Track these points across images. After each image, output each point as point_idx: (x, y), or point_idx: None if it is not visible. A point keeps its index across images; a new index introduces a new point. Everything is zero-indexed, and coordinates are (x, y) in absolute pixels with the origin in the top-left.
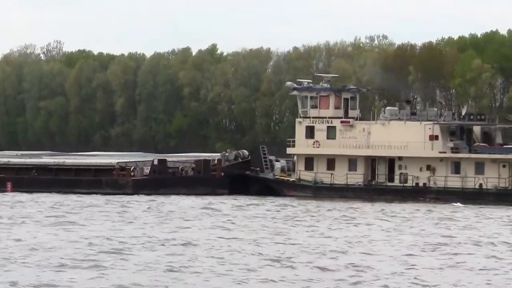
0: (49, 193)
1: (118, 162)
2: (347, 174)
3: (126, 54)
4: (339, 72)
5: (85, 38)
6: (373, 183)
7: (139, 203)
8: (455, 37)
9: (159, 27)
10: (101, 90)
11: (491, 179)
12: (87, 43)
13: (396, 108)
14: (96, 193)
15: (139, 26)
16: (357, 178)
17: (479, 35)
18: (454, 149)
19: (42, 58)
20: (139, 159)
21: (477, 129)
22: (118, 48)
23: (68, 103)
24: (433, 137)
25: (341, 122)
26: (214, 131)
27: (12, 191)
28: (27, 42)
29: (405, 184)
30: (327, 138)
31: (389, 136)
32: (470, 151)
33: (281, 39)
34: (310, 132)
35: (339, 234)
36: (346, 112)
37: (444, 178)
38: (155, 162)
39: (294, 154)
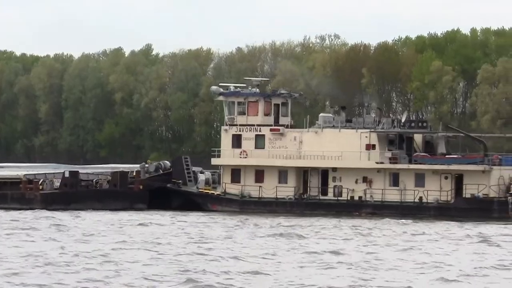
0: None
1: (25, 175)
2: (276, 187)
3: (51, 55)
4: (286, 75)
5: (7, 38)
6: (305, 196)
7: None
8: (413, 36)
9: (88, 26)
10: (23, 95)
11: (432, 192)
12: (8, 43)
13: (331, 115)
14: (1, 209)
15: (66, 25)
16: (287, 191)
17: (439, 35)
18: (393, 159)
19: None
20: (50, 171)
21: (418, 138)
22: (43, 48)
23: None
24: (370, 146)
25: (271, 130)
26: (148, 140)
27: None
28: None
29: (339, 198)
30: (256, 148)
31: (322, 145)
32: (410, 162)
33: (223, 39)
34: (236, 141)
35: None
36: (276, 119)
37: (382, 191)
38: (66, 174)
39: (219, 165)
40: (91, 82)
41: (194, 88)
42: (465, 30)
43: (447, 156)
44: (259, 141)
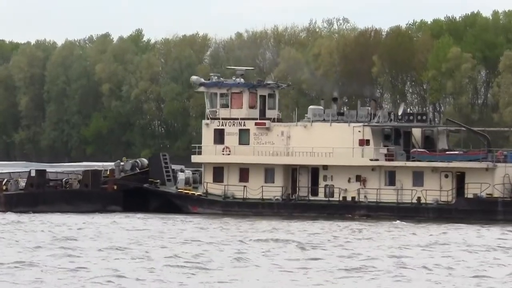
0: None
1: None
2: (262, 186)
3: (33, 42)
4: (289, 63)
5: None
6: (294, 197)
7: None
8: (429, 20)
9: (73, 9)
10: (1, 86)
11: (431, 191)
12: None
13: (321, 107)
14: None
15: (48, 8)
16: (274, 191)
17: (457, 18)
18: (389, 156)
19: None
20: (17, 170)
21: (417, 132)
22: (24, 35)
23: None
24: (364, 142)
25: (256, 124)
26: (139, 136)
27: None
28: None
29: (330, 199)
30: (240, 144)
31: (312, 140)
32: (408, 159)
33: (221, 24)
34: (219, 137)
35: None
36: (263, 113)
37: (377, 191)
38: (32, 174)
39: (200, 163)
40: (76, 71)
41: (189, 78)
42: (486, 13)
43: (447, 152)
44: (243, 136)
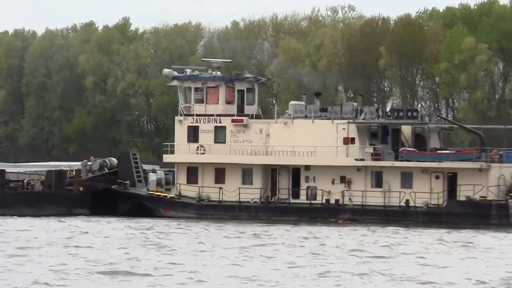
0: None
1: None
2: (240, 188)
3: (10, 31)
4: (289, 54)
5: None
6: (273, 200)
7: None
8: (441, 8)
9: None
10: None
11: (421, 194)
12: None
13: (303, 103)
14: None
15: None
16: (253, 193)
17: (472, 6)
18: (375, 156)
19: None
20: None
21: (408, 130)
22: (1, 23)
23: None
24: (348, 140)
25: (233, 121)
26: (126, 133)
27: None
28: None
29: (312, 201)
30: (215, 142)
31: (292, 139)
32: (396, 158)
33: (216, 12)
34: (193, 134)
35: None
36: (241, 108)
37: (362, 193)
38: None
39: (173, 163)
40: (57, 63)
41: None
42: (504, 1)
43: (438, 151)
44: (219, 134)
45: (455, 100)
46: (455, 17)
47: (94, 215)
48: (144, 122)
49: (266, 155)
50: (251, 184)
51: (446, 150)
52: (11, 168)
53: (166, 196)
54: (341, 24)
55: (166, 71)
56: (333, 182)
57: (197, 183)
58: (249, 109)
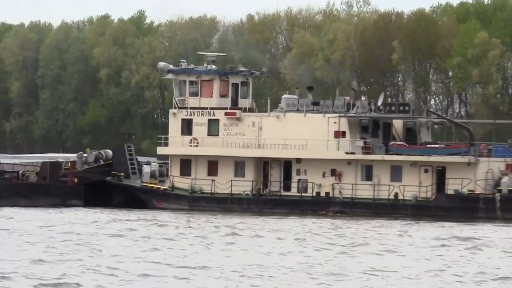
0: None
1: None
2: (232, 180)
3: (26, 23)
4: (303, 48)
5: None
6: (265, 192)
7: None
8: (455, 3)
9: None
10: None
11: (410, 187)
12: None
13: (295, 97)
14: None
15: None
16: (245, 186)
17: (485, 1)
18: (365, 149)
19: None
20: None
21: (399, 124)
22: (17, 15)
23: None
24: (339, 134)
25: (225, 114)
26: (140, 126)
27: None
28: None
29: (303, 194)
30: (208, 135)
31: (284, 132)
32: (387, 152)
33: (231, 5)
34: (187, 127)
35: None
36: (235, 102)
37: (352, 186)
38: None
39: (167, 155)
40: (72, 55)
41: (195, 64)
42: None
43: (428, 146)
44: (213, 127)
45: (468, 95)
46: (468, 12)
47: (88, 206)
48: (158, 115)
49: (258, 148)
50: (243, 176)
51: (436, 144)
52: (6, 160)
53: (160, 188)
54: (356, 18)
55: (161, 64)
56: (323, 175)
57: (190, 175)
58: (243, 103)
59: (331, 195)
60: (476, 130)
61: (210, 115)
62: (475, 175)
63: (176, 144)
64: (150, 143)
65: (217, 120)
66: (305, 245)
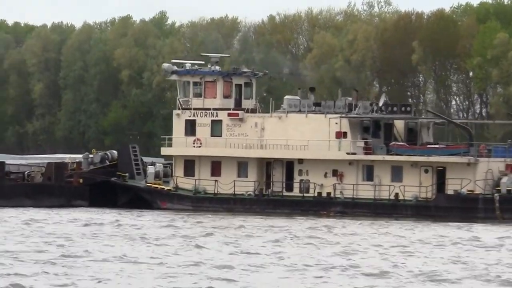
0: None
1: None
2: (235, 181)
3: (49, 25)
4: (323, 48)
5: None
6: (267, 192)
7: None
8: (475, 3)
9: None
10: (14, 72)
11: (410, 187)
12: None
13: (297, 97)
14: None
15: None
16: (247, 186)
17: (506, 1)
18: (366, 150)
19: None
20: None
21: (401, 125)
22: (40, 16)
23: None
24: (341, 134)
25: (228, 114)
26: (161, 127)
27: None
28: None
29: (305, 194)
30: (212, 136)
31: (286, 132)
32: (388, 152)
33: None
34: (190, 128)
35: None
36: (238, 102)
37: (353, 187)
38: None
39: (170, 156)
40: (94, 56)
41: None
42: None
43: (428, 146)
44: (216, 127)
45: (488, 95)
46: (488, 12)
47: (93, 206)
48: None
49: (261, 148)
50: (246, 177)
51: (437, 144)
52: (13, 160)
53: (164, 188)
54: (377, 18)
55: (165, 65)
56: (325, 176)
57: (193, 175)
58: (247, 103)
59: (332, 195)
60: (496, 131)
61: (213, 116)
62: (475, 176)
63: (180, 145)
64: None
65: (220, 121)
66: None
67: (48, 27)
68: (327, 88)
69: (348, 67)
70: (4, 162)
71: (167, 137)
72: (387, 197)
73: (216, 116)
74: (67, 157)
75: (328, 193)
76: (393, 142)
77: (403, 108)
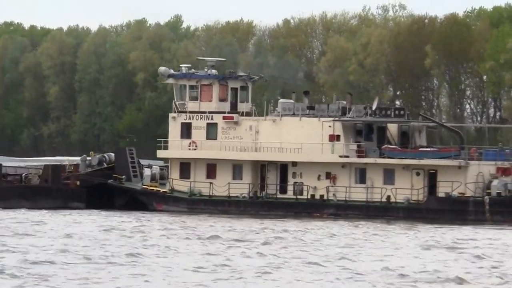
0: None
1: None
2: (229, 183)
3: (65, 28)
4: (336, 52)
5: (14, 7)
6: (261, 194)
7: None
8: (488, 7)
9: None
10: (30, 75)
11: (402, 190)
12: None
13: (291, 101)
14: None
15: None
16: (242, 188)
17: None
18: (359, 153)
19: None
20: None
21: (394, 128)
22: (56, 20)
23: None
24: (334, 137)
25: (224, 118)
26: None
27: None
28: None
29: (299, 197)
30: (207, 138)
31: (280, 135)
32: (381, 155)
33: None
34: (186, 131)
35: None
36: (234, 106)
37: (346, 189)
38: None
39: (166, 158)
40: (109, 59)
41: (231, 68)
42: None
43: (420, 149)
44: (211, 130)
45: (502, 99)
46: (502, 17)
47: (90, 208)
48: None
49: (255, 151)
50: (241, 179)
51: (429, 147)
52: (10, 163)
53: (159, 190)
54: (391, 22)
55: (161, 69)
56: (319, 178)
57: (189, 178)
58: (243, 107)
59: (325, 197)
60: (510, 134)
61: (208, 119)
62: (465, 178)
63: (176, 148)
64: None
65: (215, 124)
66: None
67: (64, 30)
68: (341, 91)
69: (362, 71)
70: (0, 164)
71: (163, 140)
72: (379, 200)
73: (212, 119)
74: (65, 160)
75: (321, 196)
76: (385, 145)
77: (396, 112)
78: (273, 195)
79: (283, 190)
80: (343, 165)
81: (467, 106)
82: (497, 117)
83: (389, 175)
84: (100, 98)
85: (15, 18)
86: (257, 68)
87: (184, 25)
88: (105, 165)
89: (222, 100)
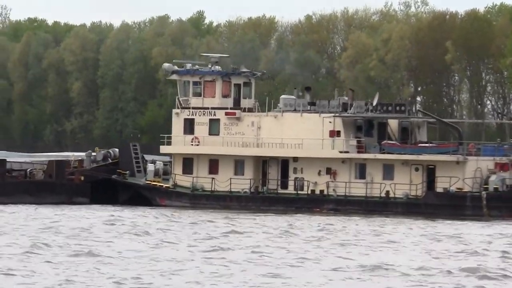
0: None
1: None
2: (231, 179)
3: (88, 24)
4: (358, 48)
5: (38, 3)
6: (262, 190)
7: None
8: (509, 3)
9: None
10: (53, 71)
11: (401, 185)
12: (39, 9)
13: (293, 97)
14: None
15: None
16: (243, 184)
17: None
18: (359, 148)
19: None
20: None
21: (395, 124)
22: (79, 16)
23: (11, 88)
24: (334, 133)
25: (226, 114)
26: None
27: None
28: None
29: (299, 192)
30: (210, 134)
31: (282, 131)
32: (381, 151)
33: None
34: (189, 126)
35: None
36: (237, 102)
37: (346, 184)
38: None
39: (169, 154)
40: (132, 55)
41: (252, 64)
42: None
43: (419, 145)
44: (213, 126)
45: None
46: None
47: (94, 203)
48: None
49: (257, 147)
50: (243, 174)
51: (429, 143)
52: (16, 158)
53: (162, 186)
54: (413, 18)
55: (165, 65)
56: (319, 174)
57: (192, 173)
58: (246, 103)
59: (325, 193)
60: None
61: (211, 115)
62: (464, 174)
63: (179, 143)
64: None
65: (218, 120)
66: None
67: (87, 26)
68: (361, 87)
69: (383, 67)
70: (5, 159)
71: (166, 135)
72: (378, 195)
73: (214, 115)
74: (71, 155)
75: (322, 191)
76: (385, 141)
77: (397, 108)
78: (274, 190)
79: (284, 185)
80: (343, 161)
81: (488, 102)
82: None
83: (388, 170)
84: (122, 94)
85: (39, 14)
86: (278, 64)
87: (207, 21)
88: (110, 161)
89: (225, 96)
